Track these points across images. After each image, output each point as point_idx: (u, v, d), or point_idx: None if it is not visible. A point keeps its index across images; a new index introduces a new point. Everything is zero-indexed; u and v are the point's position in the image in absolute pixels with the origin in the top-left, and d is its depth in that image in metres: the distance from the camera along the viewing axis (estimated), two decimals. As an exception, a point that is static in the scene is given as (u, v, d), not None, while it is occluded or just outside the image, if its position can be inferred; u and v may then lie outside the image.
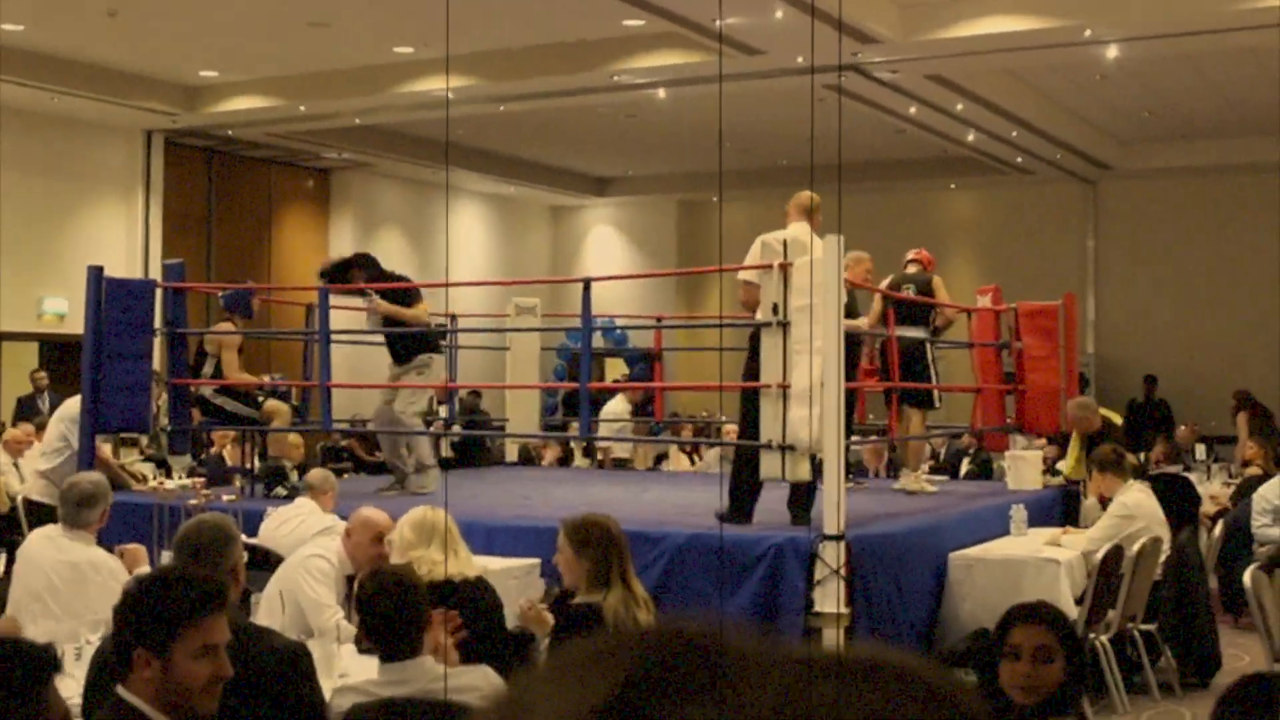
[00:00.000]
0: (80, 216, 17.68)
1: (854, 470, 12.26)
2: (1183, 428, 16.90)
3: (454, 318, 12.90)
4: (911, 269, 10.69)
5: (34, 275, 16.90)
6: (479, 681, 4.55)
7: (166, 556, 6.50)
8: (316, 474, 8.21)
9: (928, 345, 10.55)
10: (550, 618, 5.52)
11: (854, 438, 10.66)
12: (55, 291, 16.98)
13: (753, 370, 7.80)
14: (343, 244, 21.21)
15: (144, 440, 12.39)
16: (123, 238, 18.06)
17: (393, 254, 21.81)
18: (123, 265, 16.62)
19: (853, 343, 9.67)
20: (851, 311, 9.78)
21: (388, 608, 4.42)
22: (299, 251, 20.62)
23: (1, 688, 2.88)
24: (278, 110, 17.08)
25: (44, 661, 3.00)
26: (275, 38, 14.52)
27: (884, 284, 10.46)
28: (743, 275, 8.03)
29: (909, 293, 10.45)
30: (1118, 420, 10.70)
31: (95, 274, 9.57)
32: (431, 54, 15.49)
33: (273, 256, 20.36)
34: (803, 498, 7.63)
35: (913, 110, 16.99)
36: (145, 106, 16.99)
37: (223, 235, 19.76)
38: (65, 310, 16.79)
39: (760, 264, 7.62)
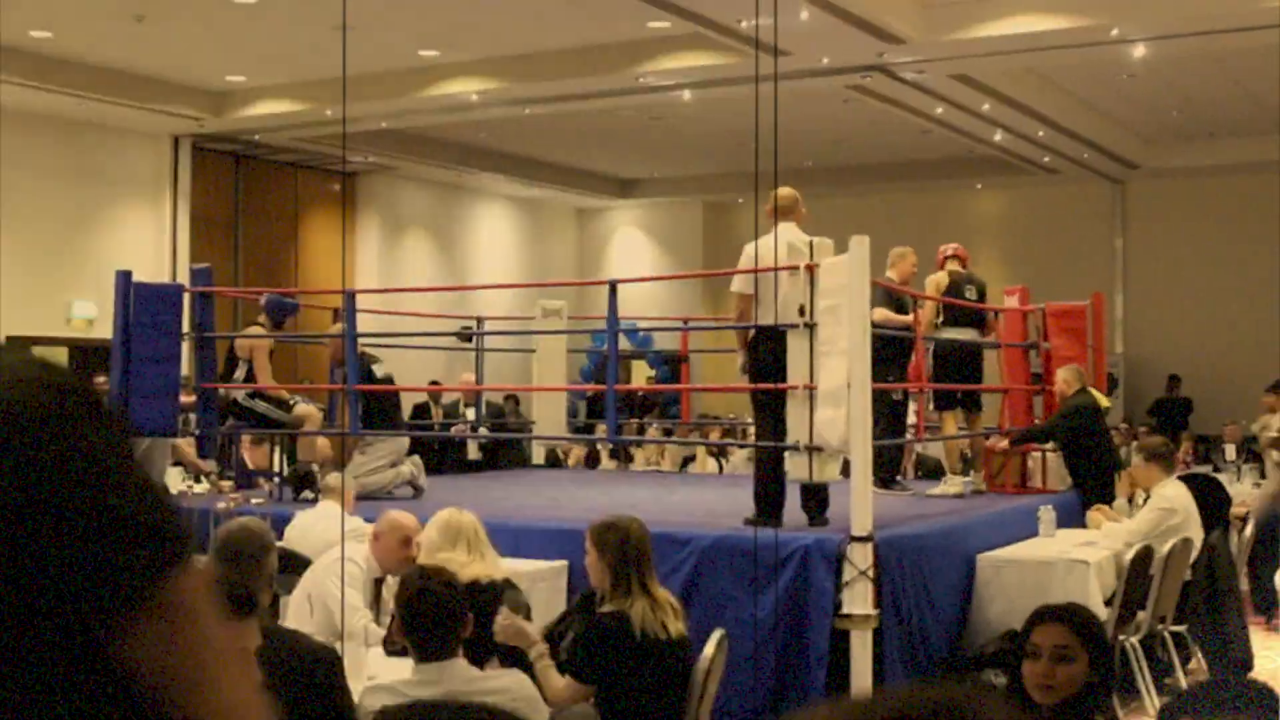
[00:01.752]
0: (108, 221, 17.77)
1: (930, 472, 12.16)
2: (1227, 428, 16.80)
3: (481, 320, 12.93)
4: (954, 265, 10.60)
5: (63, 280, 17.00)
6: (511, 685, 4.55)
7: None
8: (336, 477, 8.21)
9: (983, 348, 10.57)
10: (530, 630, 5.44)
11: (907, 438, 10.60)
12: (84, 296, 17.06)
13: (756, 373, 7.78)
14: (369, 247, 21.30)
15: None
16: (151, 242, 18.15)
17: (419, 257, 21.94)
18: (151, 269, 16.68)
19: (904, 342, 9.64)
20: (902, 308, 9.74)
21: (428, 608, 4.42)
22: (325, 255, 20.69)
23: None
24: (304, 114, 17.13)
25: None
26: (301, 42, 14.57)
27: (940, 282, 10.38)
28: (735, 287, 8.01)
29: (971, 294, 10.41)
30: (1105, 403, 10.63)
31: (124, 278, 9.61)
32: (457, 57, 15.53)
33: (299, 260, 20.43)
34: (818, 498, 7.61)
35: (939, 110, 16.96)
36: (172, 111, 17.08)
37: (249, 239, 19.84)
38: (94, 314, 16.86)
39: (788, 265, 7.59)
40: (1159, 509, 8.63)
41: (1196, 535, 8.75)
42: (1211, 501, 10.81)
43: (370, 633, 5.96)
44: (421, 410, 15.38)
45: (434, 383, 15.38)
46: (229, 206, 19.71)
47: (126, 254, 16.28)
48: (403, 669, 4.57)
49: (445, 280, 21.57)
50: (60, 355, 17.38)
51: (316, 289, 18.38)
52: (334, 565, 6.23)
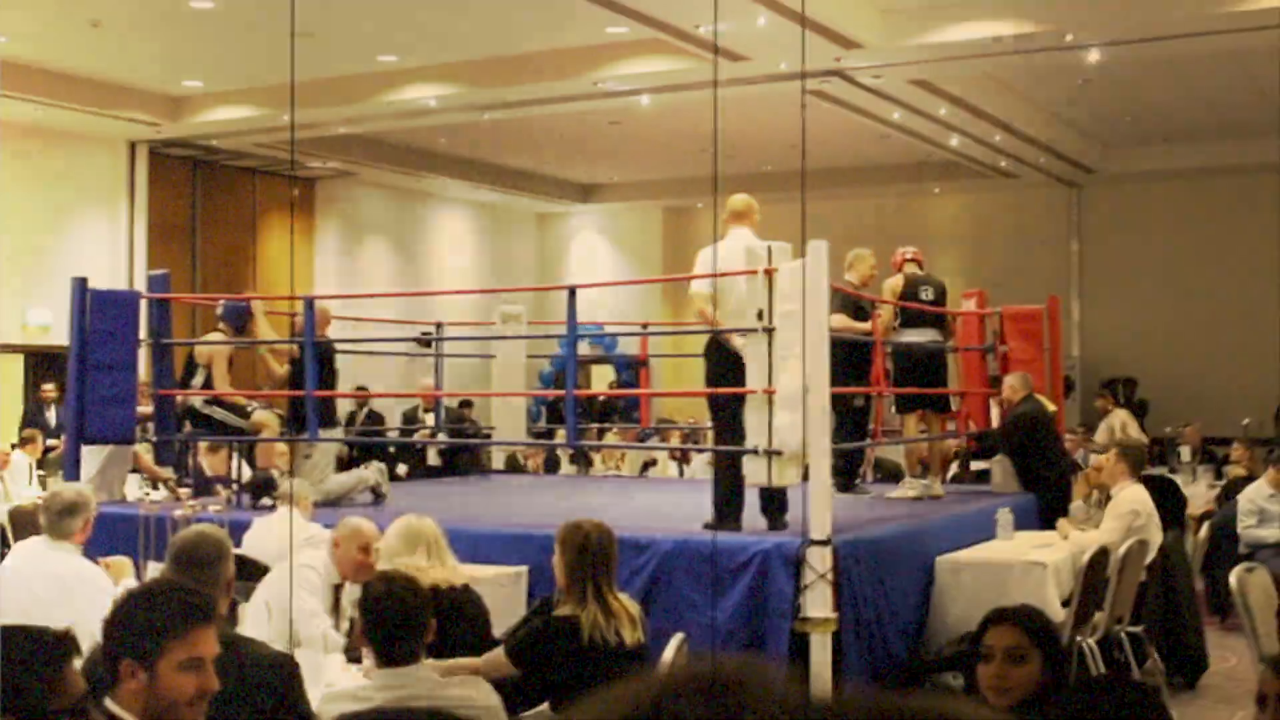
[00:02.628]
0: (64, 228, 17.65)
1: (889, 475, 12.10)
2: (1188, 429, 16.92)
3: (440, 325, 12.92)
4: (911, 269, 10.62)
5: (18, 286, 16.88)
6: (473, 693, 4.55)
7: (153, 567, 6.50)
8: (295, 483, 8.18)
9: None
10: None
11: (868, 442, 10.62)
12: (40, 303, 16.94)
13: (718, 378, 7.81)
14: (328, 253, 21.23)
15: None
16: (107, 248, 18.04)
17: (378, 262, 21.88)
18: (107, 276, 16.60)
19: (864, 347, 9.66)
20: (862, 313, 9.78)
21: (391, 613, 4.42)
22: (284, 261, 20.59)
23: (22, 670, 2.91)
24: (262, 119, 17.05)
25: (61, 644, 3.04)
26: (259, 47, 14.52)
27: (895, 286, 10.38)
28: (695, 290, 8.06)
29: (928, 294, 10.43)
30: (1051, 408, 10.69)
31: (79, 285, 9.56)
32: (416, 62, 15.51)
33: (258, 266, 20.35)
34: (777, 502, 7.64)
35: (896, 115, 17.03)
36: (129, 117, 16.98)
37: (207, 245, 19.74)
38: (50, 322, 16.75)
39: (745, 270, 7.62)
40: (1125, 513, 8.68)
41: (1156, 538, 8.82)
42: (1168, 503, 10.90)
43: (329, 639, 5.94)
44: (411, 418, 15.37)
45: (360, 388, 15.37)
46: (186, 212, 19.61)
47: (83, 260, 16.17)
48: (360, 677, 4.56)
49: (405, 286, 21.51)
50: (16, 363, 17.28)
51: (275, 295, 18.28)
52: (293, 572, 6.22)
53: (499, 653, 5.35)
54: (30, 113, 16.26)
